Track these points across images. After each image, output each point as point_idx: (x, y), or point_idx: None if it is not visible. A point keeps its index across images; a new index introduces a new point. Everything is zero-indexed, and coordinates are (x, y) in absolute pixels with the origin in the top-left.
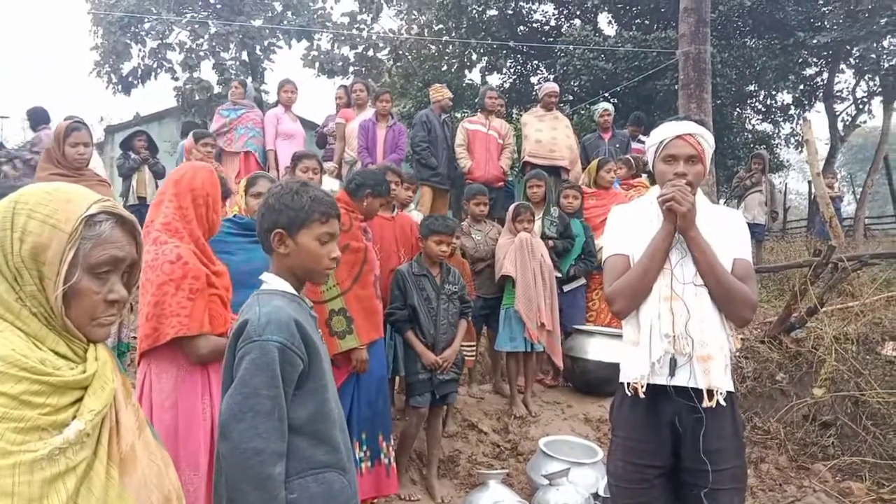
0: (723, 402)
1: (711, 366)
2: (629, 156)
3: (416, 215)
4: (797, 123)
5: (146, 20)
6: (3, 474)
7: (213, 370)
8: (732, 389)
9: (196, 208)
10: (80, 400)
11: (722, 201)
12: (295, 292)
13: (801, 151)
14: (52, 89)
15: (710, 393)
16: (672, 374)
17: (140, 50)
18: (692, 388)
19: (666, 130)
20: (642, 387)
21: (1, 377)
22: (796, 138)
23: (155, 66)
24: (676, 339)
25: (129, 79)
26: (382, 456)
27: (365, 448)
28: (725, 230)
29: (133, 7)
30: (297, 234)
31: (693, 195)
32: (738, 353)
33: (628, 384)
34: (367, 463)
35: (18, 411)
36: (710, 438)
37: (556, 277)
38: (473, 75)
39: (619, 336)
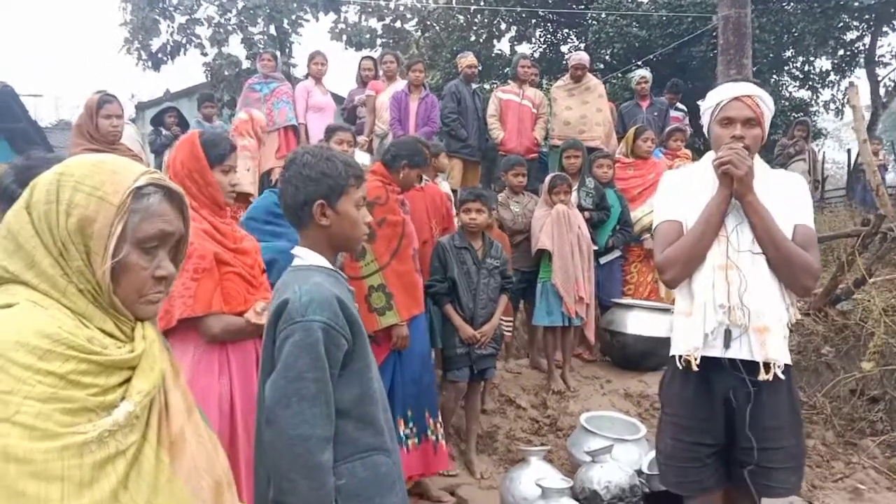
0: (781, 376)
1: (768, 337)
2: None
3: (443, 185)
4: (837, 90)
5: None
6: (51, 458)
7: (233, 349)
8: (790, 362)
9: (186, 190)
10: (128, 380)
11: None
12: (332, 266)
13: (841, 118)
14: (83, 67)
15: (767, 366)
16: (727, 346)
17: (169, 26)
18: (748, 361)
19: (723, 92)
20: (695, 359)
21: (48, 355)
22: (835, 105)
23: (184, 41)
24: (732, 309)
25: (159, 55)
26: (430, 433)
27: (411, 425)
28: (785, 195)
29: None
30: (338, 203)
31: (751, 159)
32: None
33: (680, 357)
34: (414, 440)
35: (67, 391)
36: (766, 415)
37: (593, 250)
38: (503, 45)
39: (659, 310)
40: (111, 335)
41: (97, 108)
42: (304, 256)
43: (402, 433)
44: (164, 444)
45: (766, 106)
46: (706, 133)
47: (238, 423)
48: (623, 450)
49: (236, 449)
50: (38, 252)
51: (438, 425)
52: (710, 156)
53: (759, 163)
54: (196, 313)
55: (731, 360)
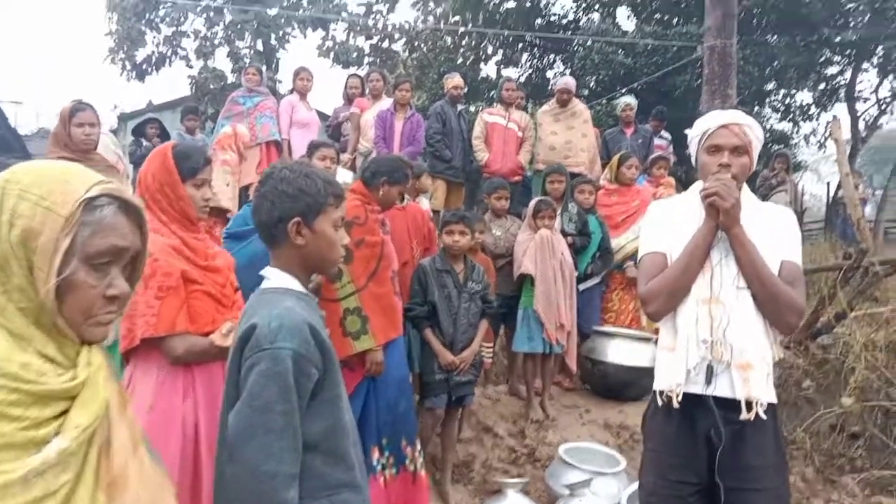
0: (763, 415)
1: (751, 374)
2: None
3: (424, 203)
4: (817, 123)
5: (161, 6)
6: None
7: (199, 371)
8: (774, 401)
9: (156, 203)
10: (65, 412)
11: None
12: (303, 289)
13: (822, 151)
14: (66, 76)
15: (749, 404)
16: (708, 382)
17: (154, 37)
18: (730, 399)
19: (711, 120)
20: (677, 396)
21: None
22: (816, 138)
23: (169, 53)
24: (714, 344)
25: (144, 66)
26: (408, 462)
27: (387, 454)
28: (773, 229)
29: None
30: (315, 221)
31: (739, 189)
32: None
33: (662, 392)
34: (392, 470)
35: None
36: (750, 454)
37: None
38: (489, 69)
39: (641, 339)
40: (52, 360)
41: (69, 117)
42: (275, 278)
43: (377, 462)
44: (101, 484)
45: (755, 135)
46: (693, 162)
47: (202, 449)
48: (602, 483)
49: (199, 476)
50: None
51: (417, 454)
52: (697, 186)
53: (747, 194)
54: (158, 333)
55: (714, 398)
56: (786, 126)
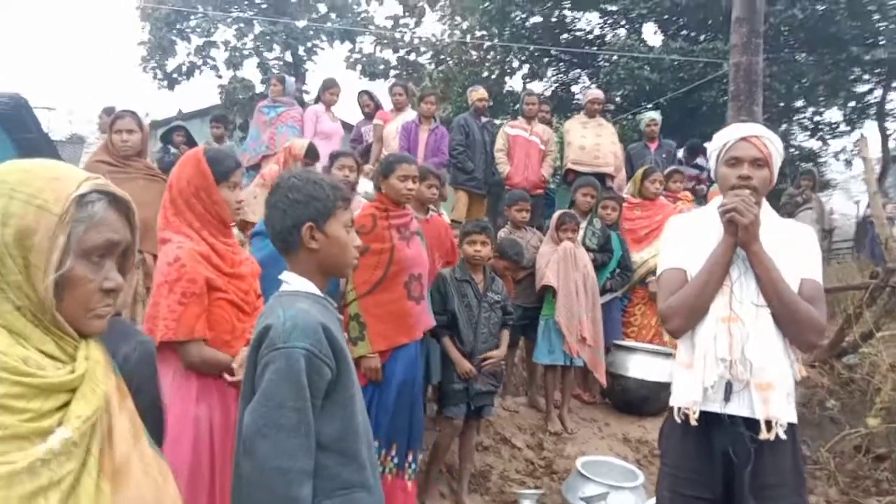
0: (783, 436)
1: (771, 395)
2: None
3: (443, 215)
4: (847, 141)
5: (192, 17)
6: None
7: (214, 376)
8: (794, 421)
9: (191, 207)
10: (67, 404)
11: None
12: (320, 293)
13: (850, 169)
14: (98, 83)
15: (769, 424)
16: (727, 400)
17: (186, 47)
18: (749, 418)
19: (730, 132)
20: (694, 413)
21: None
22: (844, 156)
23: (200, 63)
24: (733, 363)
25: (174, 75)
26: (386, 470)
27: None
28: (793, 246)
29: (180, 3)
30: (326, 225)
31: (758, 205)
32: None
33: (679, 409)
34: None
35: None
36: (767, 472)
37: None
38: (514, 82)
39: (662, 354)
40: (51, 356)
41: (111, 124)
42: (292, 282)
43: None
44: (105, 473)
45: (775, 148)
46: (713, 175)
47: (217, 452)
48: (619, 497)
49: (214, 479)
50: None
51: (409, 463)
52: (717, 200)
53: (767, 211)
54: (178, 337)
55: (732, 416)
56: (814, 144)
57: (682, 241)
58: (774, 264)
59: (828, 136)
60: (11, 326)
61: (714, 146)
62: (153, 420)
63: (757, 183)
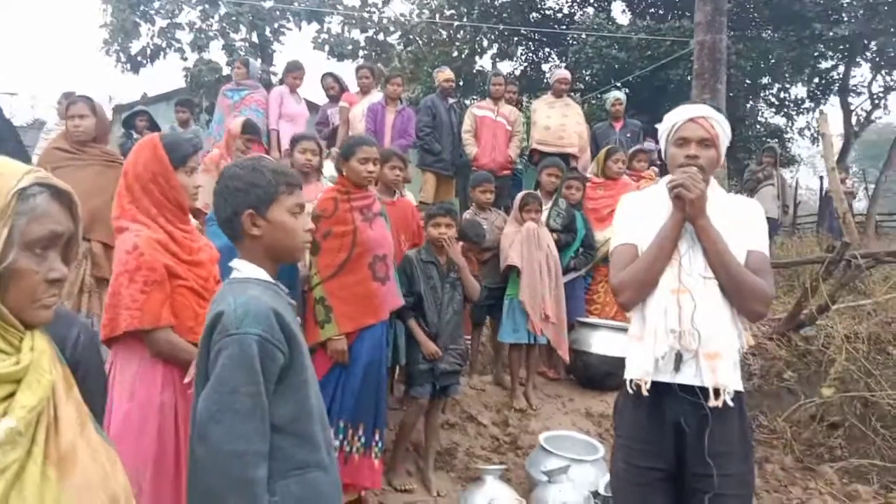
0: (730, 403)
1: (719, 363)
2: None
3: (409, 196)
4: (812, 117)
5: None
6: None
7: (176, 363)
8: (741, 389)
9: (148, 194)
10: (12, 395)
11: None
12: (270, 279)
13: (816, 145)
14: (61, 67)
15: (717, 392)
16: (677, 370)
17: (149, 29)
18: (698, 387)
19: (679, 114)
20: (646, 384)
21: None
22: (810, 132)
23: (164, 45)
24: (682, 334)
25: (138, 58)
26: (353, 449)
27: (341, 437)
28: (740, 220)
29: None
30: (268, 211)
31: (706, 182)
32: (745, 350)
33: (631, 381)
34: (343, 452)
35: None
36: (716, 441)
37: None
38: (484, 62)
39: (624, 330)
40: None
41: (66, 110)
42: (242, 268)
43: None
44: (51, 461)
45: (722, 128)
46: (663, 155)
47: (181, 439)
48: (580, 470)
49: (179, 465)
50: None
51: (376, 442)
52: (666, 178)
53: (714, 187)
54: (144, 326)
55: (682, 386)
56: (780, 120)
57: (634, 217)
58: (721, 237)
59: (793, 113)
60: None
61: (663, 127)
62: (101, 402)
63: (704, 162)
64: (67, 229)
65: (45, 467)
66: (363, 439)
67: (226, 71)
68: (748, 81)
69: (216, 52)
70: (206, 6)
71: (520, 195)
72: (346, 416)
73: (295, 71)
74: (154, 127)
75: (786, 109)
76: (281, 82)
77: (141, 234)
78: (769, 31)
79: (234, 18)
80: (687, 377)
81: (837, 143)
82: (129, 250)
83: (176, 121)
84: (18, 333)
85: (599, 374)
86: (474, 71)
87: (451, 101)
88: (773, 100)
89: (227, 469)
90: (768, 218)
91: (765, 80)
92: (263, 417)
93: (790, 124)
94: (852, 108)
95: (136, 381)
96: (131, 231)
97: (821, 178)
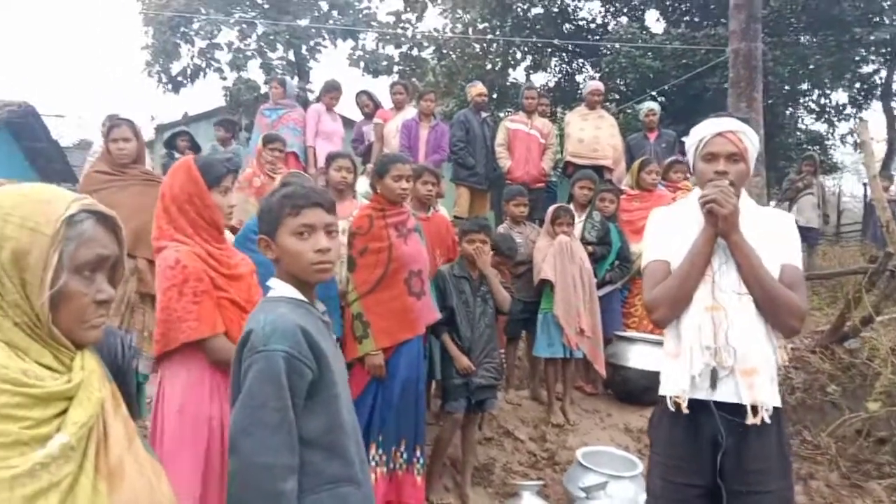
0: (768, 420)
1: (756, 380)
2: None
3: (443, 211)
4: (853, 123)
5: (195, 20)
6: None
7: (223, 375)
8: (779, 405)
9: (185, 214)
10: (64, 412)
11: (772, 203)
12: (302, 297)
13: (858, 152)
14: (106, 88)
15: (755, 409)
16: (713, 387)
17: (189, 50)
18: (735, 404)
19: (706, 128)
20: (684, 402)
21: None
22: (852, 138)
23: (204, 65)
24: (718, 350)
25: (179, 78)
26: (396, 466)
27: (381, 452)
28: (773, 234)
29: (182, 7)
30: (276, 235)
31: (737, 196)
32: (787, 364)
33: (669, 398)
34: (383, 468)
35: None
36: (754, 458)
37: None
38: (518, 74)
39: (662, 344)
40: (49, 367)
41: (107, 133)
42: (276, 287)
43: (370, 459)
44: (101, 474)
45: (751, 141)
46: (691, 169)
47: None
48: (619, 487)
49: (224, 475)
50: None
51: (418, 457)
52: (696, 193)
53: (746, 200)
54: (204, 335)
55: (718, 403)
56: (821, 127)
57: (665, 232)
58: (755, 253)
59: (834, 119)
60: (11, 341)
61: (691, 141)
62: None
63: (733, 177)
64: (113, 253)
65: (96, 481)
66: (405, 455)
67: (264, 89)
68: (787, 88)
69: (254, 71)
70: (244, 26)
71: (551, 209)
72: (387, 431)
73: (333, 91)
74: (195, 146)
75: (827, 116)
76: (318, 100)
77: (180, 249)
78: (807, 37)
79: (271, 38)
80: (724, 394)
81: (880, 150)
82: (172, 265)
83: (216, 140)
84: (70, 353)
85: (638, 389)
86: (507, 83)
87: (484, 115)
88: (813, 106)
89: (256, 481)
90: (809, 227)
91: (804, 87)
92: (291, 431)
93: (832, 131)
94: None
95: (185, 394)
96: (170, 248)
97: (864, 185)
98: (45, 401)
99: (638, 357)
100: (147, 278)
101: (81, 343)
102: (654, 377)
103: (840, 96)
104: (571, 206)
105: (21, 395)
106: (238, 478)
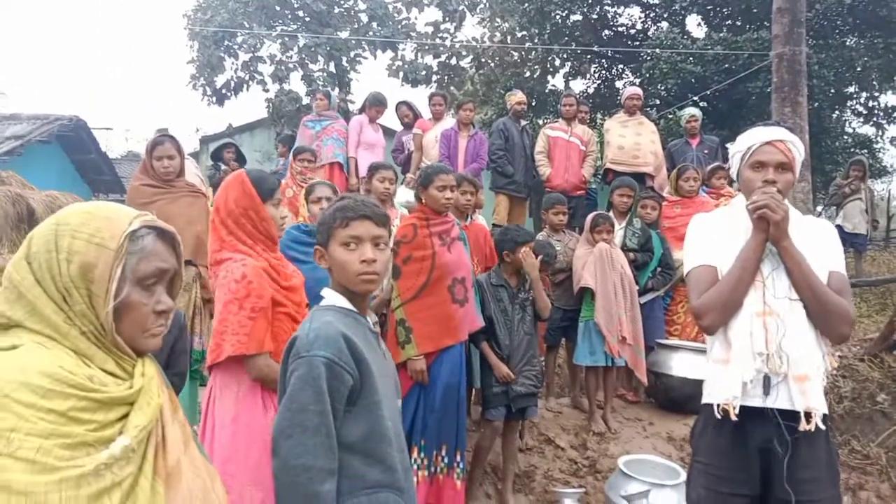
0: (821, 426)
1: (808, 386)
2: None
3: (481, 220)
4: None
5: (239, 34)
6: (50, 489)
7: (272, 389)
8: (827, 412)
9: (241, 227)
10: (126, 416)
11: (819, 209)
12: (350, 306)
13: None
14: (153, 101)
15: (808, 415)
16: (766, 393)
17: (233, 63)
18: (786, 410)
19: (755, 136)
20: (734, 408)
21: (49, 394)
22: None
23: (247, 78)
24: (770, 357)
25: (223, 91)
26: (437, 470)
27: (423, 456)
28: (817, 241)
29: (226, 22)
30: (328, 247)
31: (785, 204)
32: (834, 372)
33: (718, 406)
34: (424, 472)
35: (66, 427)
36: (804, 466)
37: None
38: (557, 81)
39: (705, 351)
40: (112, 373)
41: (150, 150)
42: (327, 296)
43: (412, 462)
44: (159, 476)
45: (798, 151)
46: (735, 176)
47: None
48: (661, 495)
49: None
50: (41, 300)
51: (458, 462)
52: (739, 200)
53: (790, 208)
54: (249, 351)
55: (770, 409)
56: (869, 130)
57: (709, 238)
58: (805, 259)
59: (883, 122)
60: (78, 349)
61: (737, 148)
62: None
63: (781, 186)
64: (172, 266)
65: (155, 482)
66: (446, 459)
67: (305, 100)
68: (833, 91)
69: (296, 83)
70: (286, 39)
71: (590, 216)
72: (428, 436)
73: (378, 105)
74: (241, 158)
75: (875, 119)
76: (361, 111)
77: (247, 263)
78: (854, 39)
79: (312, 50)
80: (778, 400)
81: None
82: (238, 279)
83: (278, 155)
84: (131, 360)
85: (681, 397)
86: (546, 91)
87: (523, 123)
88: (860, 109)
89: (295, 482)
90: (857, 233)
91: (851, 90)
92: (329, 434)
93: (880, 134)
94: None
95: (238, 404)
96: (236, 261)
97: None
98: (108, 405)
99: (681, 365)
100: (208, 284)
101: (142, 351)
102: (696, 385)
103: (889, 98)
104: (611, 214)
105: (87, 399)
106: (279, 478)
